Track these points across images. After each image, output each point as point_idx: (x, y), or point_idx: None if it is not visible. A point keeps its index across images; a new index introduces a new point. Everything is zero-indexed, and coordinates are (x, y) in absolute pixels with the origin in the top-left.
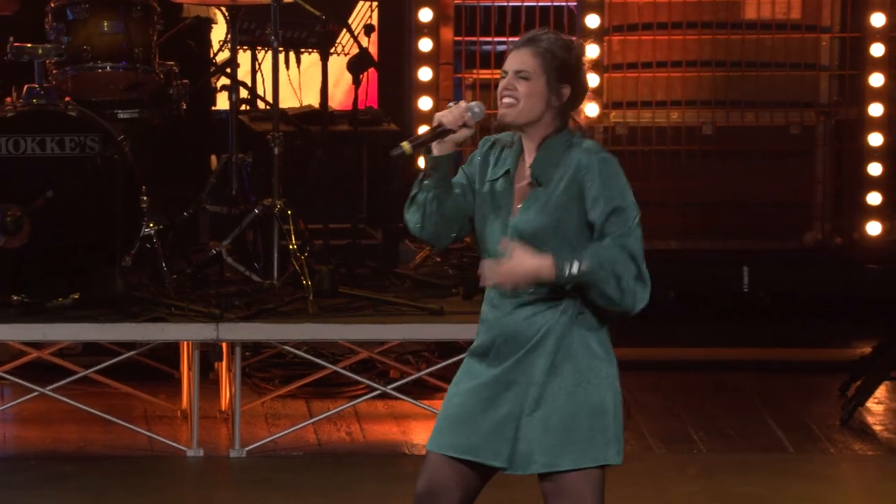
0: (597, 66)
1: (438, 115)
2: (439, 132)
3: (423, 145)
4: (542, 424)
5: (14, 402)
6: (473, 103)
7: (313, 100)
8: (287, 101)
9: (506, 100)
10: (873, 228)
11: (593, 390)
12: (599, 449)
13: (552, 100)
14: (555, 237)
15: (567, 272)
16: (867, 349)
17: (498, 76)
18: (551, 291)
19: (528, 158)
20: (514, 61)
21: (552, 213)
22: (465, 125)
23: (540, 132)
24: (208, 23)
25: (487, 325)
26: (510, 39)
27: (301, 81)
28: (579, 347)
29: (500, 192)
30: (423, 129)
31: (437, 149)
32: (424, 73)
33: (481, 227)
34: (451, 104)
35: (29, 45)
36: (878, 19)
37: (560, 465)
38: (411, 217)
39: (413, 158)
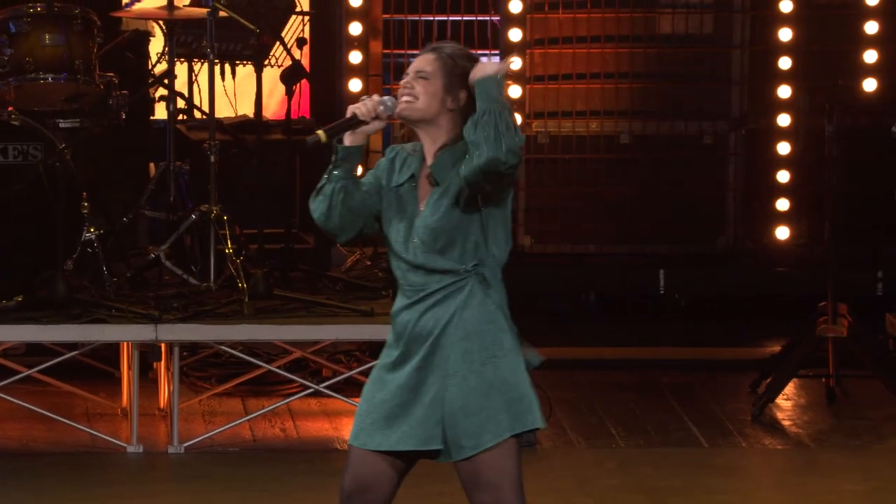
0: (519, 77)
1: (352, 107)
2: (353, 122)
3: (337, 134)
4: (462, 411)
5: None
6: (386, 97)
7: (248, 110)
8: (223, 111)
9: (404, 98)
10: (782, 233)
11: (502, 364)
12: (517, 418)
13: (448, 101)
14: (461, 230)
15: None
16: (777, 348)
17: None
18: (455, 280)
19: (429, 163)
20: (416, 64)
21: (448, 210)
22: (377, 117)
23: (439, 136)
24: (146, 36)
25: (396, 325)
26: None
27: (236, 92)
28: (483, 324)
29: (405, 195)
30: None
31: (349, 139)
32: (355, 85)
33: (388, 228)
34: (364, 98)
35: None
36: (785, 34)
37: (484, 443)
38: (317, 207)
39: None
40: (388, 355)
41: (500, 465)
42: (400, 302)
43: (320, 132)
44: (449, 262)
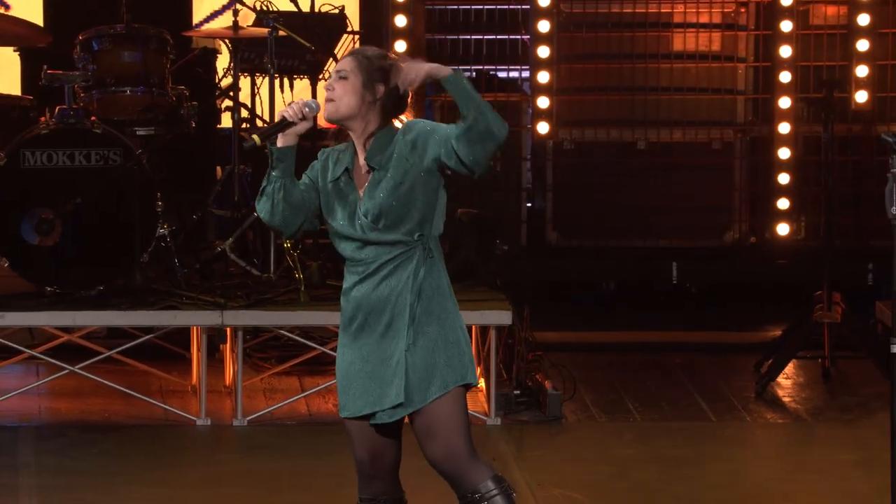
0: (548, 90)
1: (281, 111)
2: (283, 125)
3: (269, 136)
4: (413, 369)
5: (48, 379)
6: (310, 100)
7: None
8: None
9: (327, 101)
10: (782, 229)
11: (446, 325)
12: (458, 371)
13: (367, 96)
14: (407, 206)
15: (461, 73)
16: (777, 332)
17: None
18: (404, 251)
19: (361, 154)
20: (335, 66)
21: (393, 189)
22: (304, 118)
23: (366, 128)
24: (214, 53)
25: (351, 301)
26: (474, 67)
27: None
28: (430, 289)
29: (344, 186)
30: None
31: (281, 140)
32: None
33: (331, 217)
34: (291, 102)
35: (60, 72)
36: (785, 51)
37: (429, 395)
38: (262, 207)
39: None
40: (347, 330)
41: (446, 414)
42: (350, 280)
43: (255, 136)
44: (397, 235)
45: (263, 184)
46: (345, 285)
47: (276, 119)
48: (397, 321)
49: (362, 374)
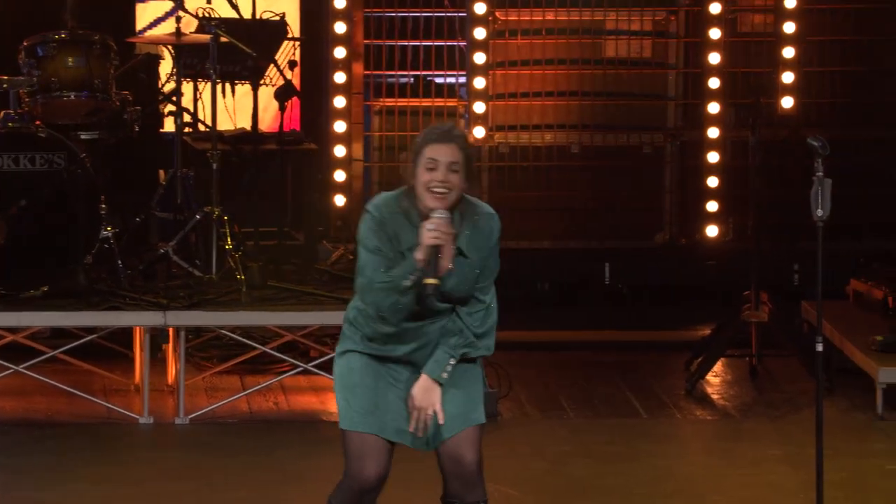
0: (483, 95)
1: (431, 239)
2: (438, 251)
3: (436, 269)
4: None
5: None
6: (440, 213)
7: (246, 123)
8: (223, 125)
9: (440, 190)
10: (711, 231)
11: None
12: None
13: (465, 187)
14: (465, 290)
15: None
16: (707, 331)
17: (400, 104)
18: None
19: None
20: (444, 155)
21: (468, 275)
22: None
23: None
24: (157, 58)
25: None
26: (411, 73)
27: (235, 108)
28: None
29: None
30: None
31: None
32: (339, 101)
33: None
34: (429, 226)
35: (5, 77)
36: (714, 57)
37: (476, 417)
38: (393, 319)
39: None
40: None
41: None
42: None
43: (432, 281)
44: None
45: (388, 303)
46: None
47: (426, 252)
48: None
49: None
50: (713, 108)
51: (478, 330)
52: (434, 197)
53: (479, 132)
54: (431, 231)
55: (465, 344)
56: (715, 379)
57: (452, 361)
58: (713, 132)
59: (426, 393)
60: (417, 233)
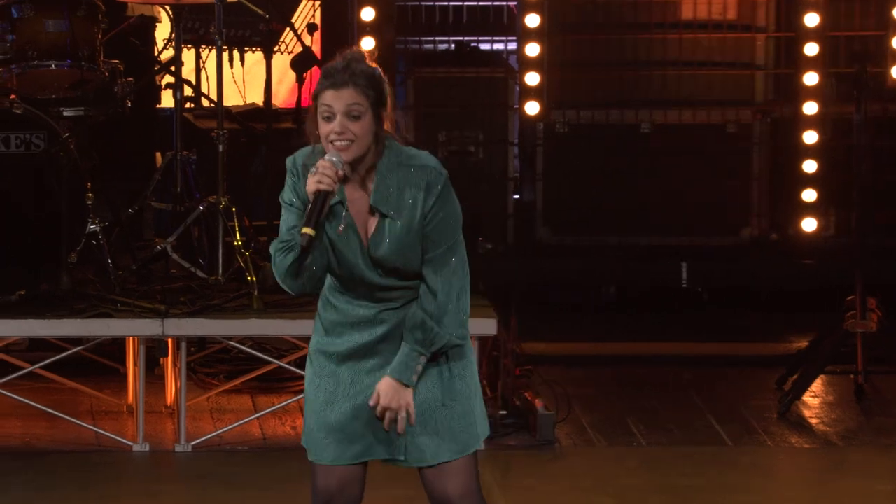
0: (538, 64)
1: (314, 185)
2: (324, 200)
3: (318, 219)
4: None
5: None
6: (331, 155)
7: (257, 98)
8: (231, 99)
9: (339, 143)
10: (808, 224)
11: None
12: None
13: (377, 129)
14: (408, 258)
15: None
16: (803, 343)
17: (438, 74)
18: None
19: (355, 185)
20: (340, 101)
21: (404, 240)
22: (341, 180)
23: (366, 161)
24: (153, 21)
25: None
26: (451, 38)
27: (245, 79)
28: None
29: (336, 219)
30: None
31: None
32: None
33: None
34: (311, 170)
35: None
36: (811, 19)
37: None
38: (293, 286)
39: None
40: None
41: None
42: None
43: (307, 230)
44: (406, 281)
45: (289, 261)
46: (331, 310)
47: (311, 196)
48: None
49: (363, 415)
50: (810, 78)
51: (443, 311)
52: (336, 150)
53: (532, 108)
54: (314, 175)
55: (432, 338)
56: (813, 400)
57: (422, 360)
58: (810, 107)
59: (396, 392)
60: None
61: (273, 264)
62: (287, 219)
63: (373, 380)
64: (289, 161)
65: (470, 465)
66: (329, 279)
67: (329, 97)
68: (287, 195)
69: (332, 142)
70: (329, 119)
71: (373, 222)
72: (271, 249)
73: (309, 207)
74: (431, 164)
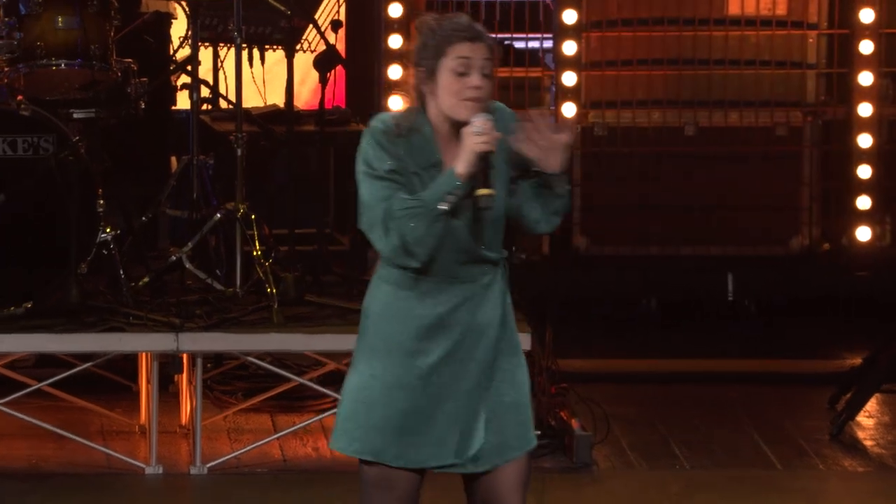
0: (575, 63)
1: (478, 145)
2: (488, 157)
3: (489, 179)
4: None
5: None
6: (482, 117)
7: (278, 99)
8: (251, 101)
9: (475, 98)
10: (863, 234)
11: (520, 359)
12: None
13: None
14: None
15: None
16: (857, 360)
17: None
18: (495, 271)
19: (445, 141)
20: (476, 58)
21: (506, 196)
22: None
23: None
24: (168, 18)
25: (426, 327)
26: None
27: (265, 79)
28: (510, 319)
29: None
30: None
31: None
32: (395, 72)
33: None
34: (474, 128)
35: None
36: (867, 15)
37: (530, 440)
38: (426, 254)
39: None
40: (405, 363)
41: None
42: (423, 301)
43: (485, 190)
44: (495, 252)
45: (431, 226)
46: (407, 306)
47: (479, 155)
48: (485, 354)
49: (439, 418)
50: (865, 78)
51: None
52: (469, 107)
53: (569, 109)
54: (480, 135)
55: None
56: (868, 420)
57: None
58: (865, 109)
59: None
60: (433, 150)
61: (399, 235)
62: (380, 189)
63: (451, 376)
64: (375, 122)
65: (528, 464)
66: (394, 268)
67: (466, 49)
68: (379, 163)
69: (466, 99)
70: (464, 74)
71: None
72: (390, 221)
73: (477, 170)
74: (506, 107)
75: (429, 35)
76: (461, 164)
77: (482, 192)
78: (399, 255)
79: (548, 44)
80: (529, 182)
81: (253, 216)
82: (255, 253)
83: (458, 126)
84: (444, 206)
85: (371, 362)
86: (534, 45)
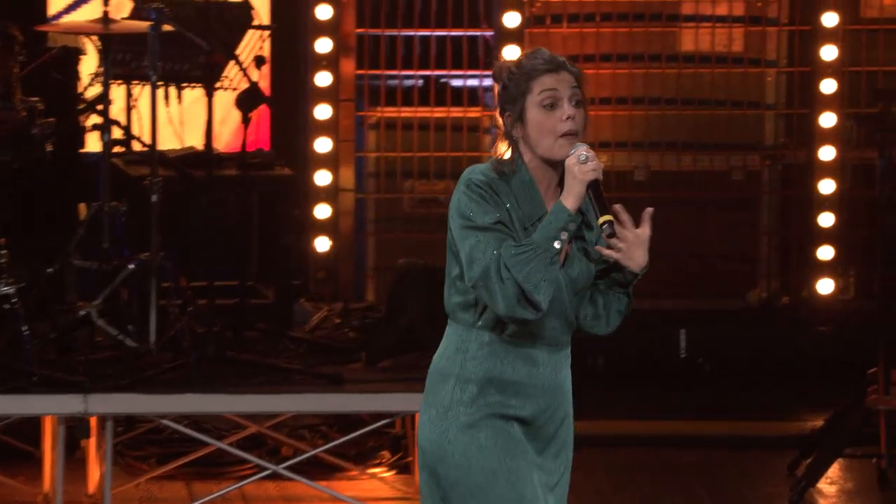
0: None
1: (588, 174)
2: (598, 186)
3: (605, 205)
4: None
5: None
6: (580, 146)
7: (196, 141)
8: (167, 143)
9: (571, 131)
10: (825, 286)
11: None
12: None
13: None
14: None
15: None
16: (818, 422)
17: (403, 114)
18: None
19: (544, 188)
20: (566, 86)
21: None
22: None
23: (559, 169)
24: (77, 53)
25: (533, 389)
26: (419, 73)
27: (183, 120)
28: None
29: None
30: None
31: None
32: (322, 111)
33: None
34: (582, 158)
35: None
36: (829, 52)
37: None
38: (545, 299)
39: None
40: (515, 438)
41: None
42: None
43: (607, 216)
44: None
45: (548, 268)
46: (511, 371)
47: (581, 187)
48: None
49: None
50: (827, 119)
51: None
52: (566, 143)
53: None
54: (587, 163)
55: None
56: (830, 488)
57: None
58: (827, 152)
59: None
60: (539, 201)
61: (515, 283)
62: (487, 240)
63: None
64: (473, 174)
65: None
66: (475, 330)
67: (551, 80)
68: (483, 217)
69: (561, 133)
70: (552, 107)
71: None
72: (503, 270)
73: (591, 198)
74: None
75: (509, 77)
76: (570, 198)
77: (604, 218)
78: (517, 306)
79: (487, 82)
80: (603, 280)
81: (169, 267)
82: (171, 307)
83: (556, 168)
84: (557, 245)
85: None
86: (472, 82)
